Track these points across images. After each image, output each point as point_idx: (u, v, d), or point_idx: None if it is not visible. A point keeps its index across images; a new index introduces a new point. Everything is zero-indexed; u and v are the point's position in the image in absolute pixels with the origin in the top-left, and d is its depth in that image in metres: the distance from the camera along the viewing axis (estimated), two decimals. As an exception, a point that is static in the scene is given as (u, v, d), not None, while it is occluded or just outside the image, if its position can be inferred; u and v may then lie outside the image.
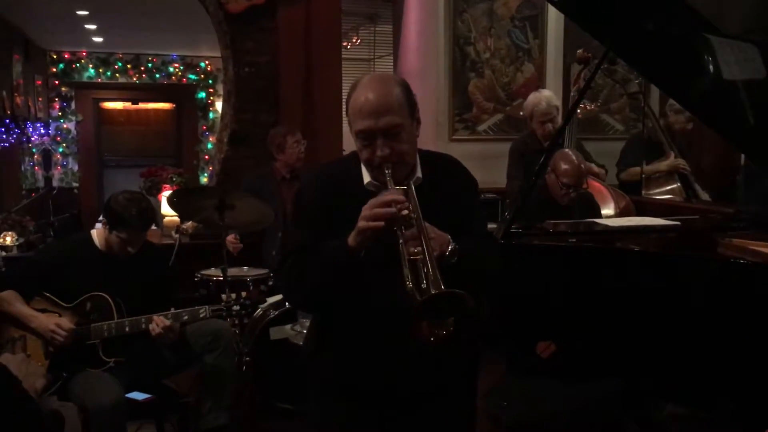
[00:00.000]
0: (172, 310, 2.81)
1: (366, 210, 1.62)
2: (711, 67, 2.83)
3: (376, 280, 1.69)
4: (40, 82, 9.29)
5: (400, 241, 1.57)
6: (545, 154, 2.96)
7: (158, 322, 2.74)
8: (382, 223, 1.59)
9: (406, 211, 1.59)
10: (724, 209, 3.50)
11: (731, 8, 3.01)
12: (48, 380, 2.33)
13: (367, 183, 1.78)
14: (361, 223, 1.62)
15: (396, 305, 1.64)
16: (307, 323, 3.11)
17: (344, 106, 1.80)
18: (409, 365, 1.75)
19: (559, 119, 4.23)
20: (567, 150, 3.60)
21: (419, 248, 1.55)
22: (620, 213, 3.93)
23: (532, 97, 4.33)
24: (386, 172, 1.69)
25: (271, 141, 4.23)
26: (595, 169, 4.27)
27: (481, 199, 2.03)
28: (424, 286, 1.52)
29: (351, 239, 1.64)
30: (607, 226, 3.07)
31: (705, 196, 4.49)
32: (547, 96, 4.26)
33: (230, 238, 4.02)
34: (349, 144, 5.22)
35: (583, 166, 3.42)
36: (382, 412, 1.82)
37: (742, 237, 2.65)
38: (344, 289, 1.70)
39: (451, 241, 1.66)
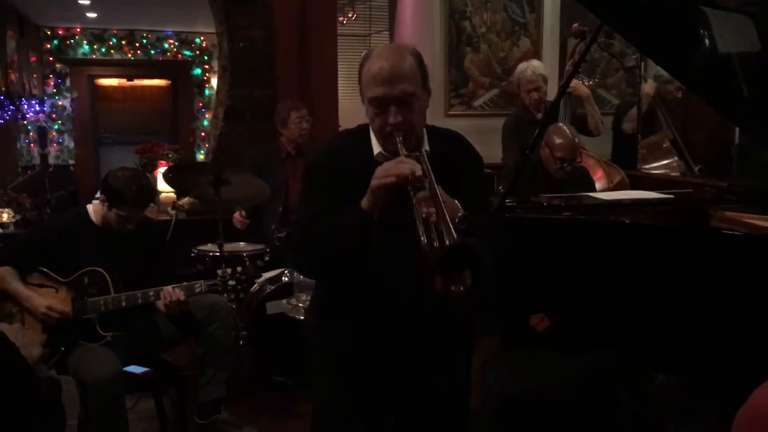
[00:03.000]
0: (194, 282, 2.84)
1: (379, 170, 1.65)
2: (706, 39, 2.81)
3: (384, 253, 1.73)
4: (34, 59, 9.21)
5: (414, 202, 1.58)
6: (539, 128, 2.96)
7: (168, 294, 2.76)
8: (394, 179, 1.60)
9: (419, 173, 1.60)
10: (717, 183, 3.51)
11: (727, -20, 2.99)
12: (45, 350, 2.35)
13: (377, 154, 1.79)
14: (374, 182, 1.63)
15: (401, 277, 1.71)
16: (304, 297, 3.15)
17: (357, 77, 1.80)
18: (412, 337, 1.79)
19: (546, 89, 4.25)
20: (561, 124, 3.61)
21: (432, 209, 1.56)
22: (614, 188, 3.95)
23: (520, 66, 4.35)
24: (398, 140, 1.70)
25: (276, 115, 4.26)
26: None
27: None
28: (437, 244, 1.52)
29: (364, 201, 1.66)
30: (600, 199, 3.08)
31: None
32: (534, 65, 4.29)
33: (237, 215, 4.06)
34: (345, 119, 5.22)
35: (577, 140, 3.43)
36: (385, 382, 1.84)
37: (736, 210, 2.66)
38: (355, 255, 1.71)
39: (461, 208, 1.67)
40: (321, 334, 1.92)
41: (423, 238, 1.53)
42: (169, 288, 2.79)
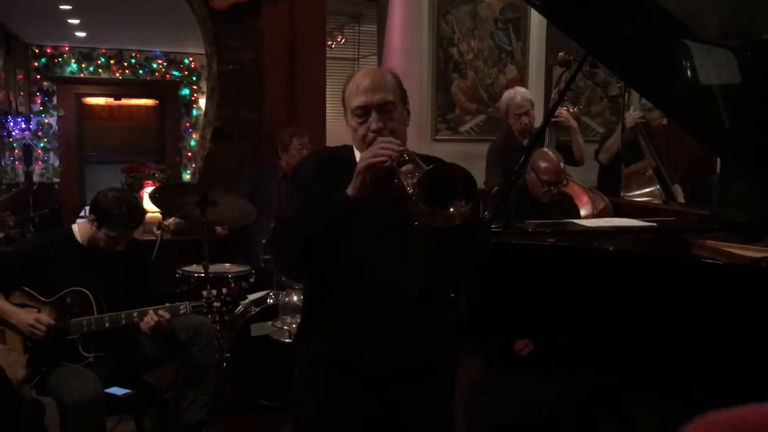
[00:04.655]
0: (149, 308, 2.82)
1: (364, 154, 1.70)
2: (688, 71, 2.87)
3: (371, 253, 1.76)
4: (21, 77, 9.19)
5: (400, 175, 1.61)
6: (525, 153, 3.00)
7: (155, 315, 2.75)
8: (381, 159, 1.64)
9: (401, 148, 1.66)
10: (699, 212, 3.56)
11: (708, 13, 3.06)
12: (28, 372, 2.33)
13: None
14: (361, 164, 1.67)
15: (383, 282, 1.75)
16: (288, 320, 3.15)
17: (341, 98, 1.91)
18: (396, 343, 1.79)
19: (534, 114, 4.31)
20: (545, 149, 3.66)
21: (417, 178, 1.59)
22: (598, 215, 3.99)
23: (507, 93, 4.43)
24: None
25: (278, 139, 4.34)
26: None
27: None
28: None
29: (350, 188, 1.69)
30: (584, 226, 3.11)
31: (680, 195, 4.58)
32: (522, 91, 4.42)
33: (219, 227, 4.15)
34: (333, 142, 5.25)
35: (562, 164, 3.48)
36: (374, 390, 1.82)
37: (716, 239, 2.70)
38: (337, 246, 1.72)
39: None
40: (308, 344, 1.90)
41: (409, 189, 1.55)
42: (153, 313, 2.78)
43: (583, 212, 3.88)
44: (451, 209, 1.55)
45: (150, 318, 2.76)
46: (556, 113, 4.11)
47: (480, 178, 4.46)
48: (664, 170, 4.59)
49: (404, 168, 1.61)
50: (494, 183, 4.25)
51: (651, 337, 2.45)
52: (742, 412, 1.33)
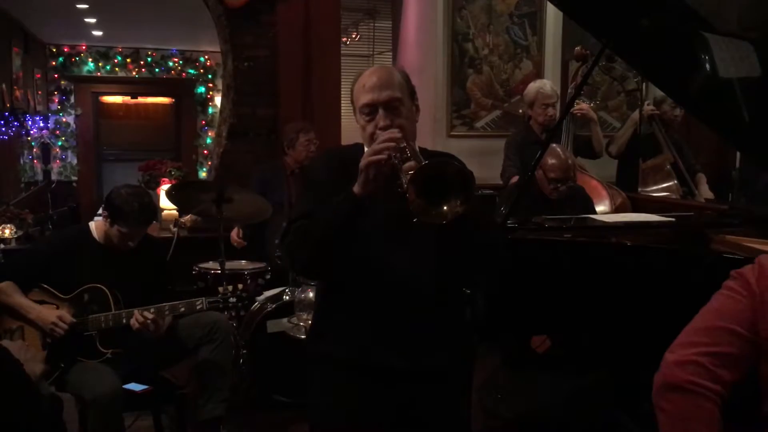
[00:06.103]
0: (166, 304, 2.82)
1: (366, 152, 1.71)
2: (707, 64, 2.84)
3: (377, 255, 1.76)
4: (39, 76, 9.28)
5: (402, 172, 1.60)
6: (541, 149, 2.97)
7: (137, 318, 2.73)
8: (381, 156, 1.64)
9: (403, 144, 1.66)
10: (718, 206, 3.52)
11: (728, 6, 3.02)
12: (46, 367, 2.34)
13: None
14: (362, 162, 1.67)
15: (397, 280, 1.74)
16: (304, 316, 3.15)
17: (350, 97, 1.91)
18: (409, 342, 1.78)
19: (558, 107, 4.29)
20: (554, 145, 3.61)
21: None
22: (616, 210, 3.95)
23: (534, 84, 4.38)
24: None
25: (284, 135, 4.34)
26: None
27: (478, 195, 2.06)
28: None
29: (355, 185, 1.69)
30: (602, 221, 3.09)
31: (707, 191, 4.52)
32: (549, 82, 4.42)
33: (234, 234, 4.14)
34: (348, 138, 5.27)
35: (570, 161, 3.44)
36: (383, 391, 1.81)
37: (736, 233, 2.67)
38: (347, 244, 1.72)
39: None
40: (322, 343, 1.90)
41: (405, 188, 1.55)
42: (135, 311, 2.75)
43: (601, 207, 3.84)
44: (444, 207, 1.54)
45: (134, 320, 2.73)
46: (576, 108, 4.08)
47: (497, 174, 4.43)
48: (682, 165, 4.53)
49: (406, 165, 1.60)
50: (511, 173, 4.20)
51: (670, 334, 2.43)
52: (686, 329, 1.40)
